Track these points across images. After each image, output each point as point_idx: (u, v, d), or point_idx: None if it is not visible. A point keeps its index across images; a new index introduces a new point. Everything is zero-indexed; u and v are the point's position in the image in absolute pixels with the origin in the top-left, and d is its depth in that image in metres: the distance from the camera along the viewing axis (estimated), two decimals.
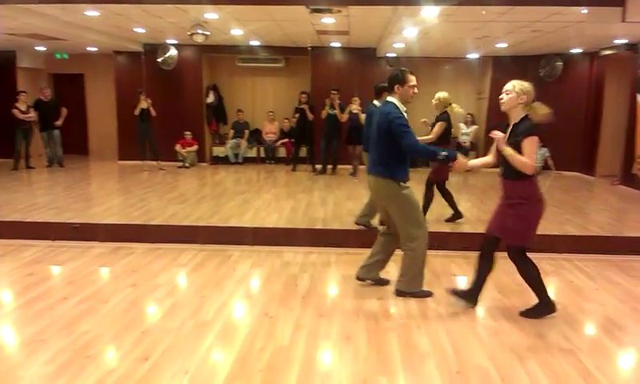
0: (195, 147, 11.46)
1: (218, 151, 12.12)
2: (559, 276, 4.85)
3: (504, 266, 5.03)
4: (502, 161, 3.73)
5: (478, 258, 3.97)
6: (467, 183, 9.78)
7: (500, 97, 3.77)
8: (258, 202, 7.38)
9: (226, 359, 3.17)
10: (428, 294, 4.23)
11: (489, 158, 4.03)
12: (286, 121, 11.83)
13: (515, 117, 3.71)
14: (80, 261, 5.06)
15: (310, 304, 4.05)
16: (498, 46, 9.66)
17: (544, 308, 3.82)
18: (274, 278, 4.66)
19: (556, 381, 2.97)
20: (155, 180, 9.44)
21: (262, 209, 6.89)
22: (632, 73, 8.93)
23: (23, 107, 10.36)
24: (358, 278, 4.42)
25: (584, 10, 6.41)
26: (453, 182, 8.78)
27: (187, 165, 11.20)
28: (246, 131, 11.96)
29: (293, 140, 11.34)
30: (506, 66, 11.26)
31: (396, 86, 4.08)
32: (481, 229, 5.97)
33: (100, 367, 3.04)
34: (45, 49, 11.55)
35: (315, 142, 10.72)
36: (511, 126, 3.74)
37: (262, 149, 12.07)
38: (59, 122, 10.79)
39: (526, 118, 3.66)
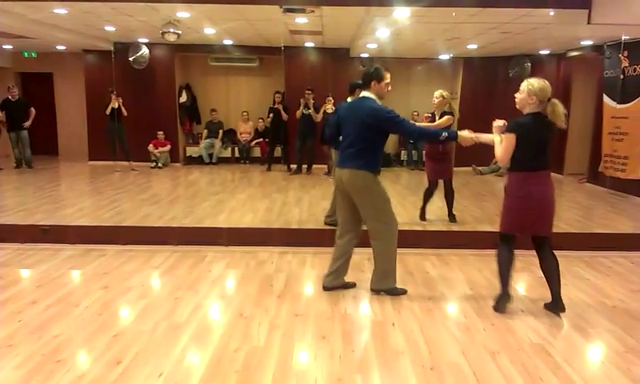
0: (168, 147, 11.34)
1: (192, 151, 12.01)
2: (529, 272, 4.95)
3: (475, 263, 5.15)
4: None
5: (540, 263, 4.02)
6: (440, 182, 9.88)
7: (515, 95, 3.87)
8: (232, 202, 7.33)
9: (200, 361, 3.15)
10: (403, 292, 4.28)
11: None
12: (261, 120, 11.79)
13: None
14: (50, 263, 4.96)
15: (286, 304, 4.05)
16: (469, 47, 9.81)
17: (501, 299, 3.96)
18: (248, 278, 4.64)
19: (526, 374, 3.04)
20: (127, 181, 9.29)
21: (237, 209, 6.86)
22: (598, 74, 9.17)
23: None
24: (325, 288, 4.34)
25: (551, 12, 6.57)
26: (425, 181, 8.91)
27: (160, 165, 11.07)
28: (220, 131, 11.89)
29: (267, 140, 11.31)
30: (476, 67, 11.47)
31: (372, 82, 4.09)
32: (455, 227, 6.09)
33: (71, 371, 2.99)
34: (11, 47, 11.27)
35: (290, 142, 10.72)
36: None
37: (236, 149, 12.01)
38: (28, 124, 10.54)
39: (527, 114, 3.74)
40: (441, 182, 6.39)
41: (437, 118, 6.28)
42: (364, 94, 4.15)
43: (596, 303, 4.20)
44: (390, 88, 4.16)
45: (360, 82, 4.38)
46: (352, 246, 4.33)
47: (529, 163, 3.71)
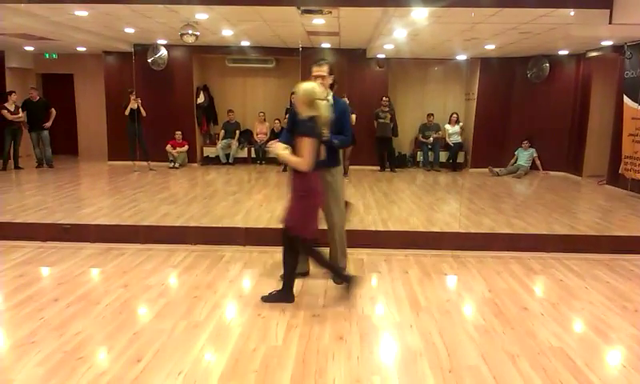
0: (186, 147, 11.44)
1: (209, 152, 12.10)
2: (549, 275, 4.91)
3: (493, 265, 5.11)
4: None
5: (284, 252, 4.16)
6: (457, 184, 9.86)
7: (292, 98, 4.08)
8: (249, 202, 7.37)
9: (219, 360, 3.17)
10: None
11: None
12: (277, 121, 11.83)
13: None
14: (70, 262, 5.03)
15: (303, 304, 4.06)
16: (487, 47, 9.74)
17: (283, 297, 4.07)
18: (266, 278, 4.66)
19: (547, 378, 3.01)
20: (145, 180, 9.39)
21: (254, 209, 6.89)
22: (618, 74, 9.05)
23: (12, 107, 10.30)
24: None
25: (572, 12, 6.50)
26: (441, 182, 8.90)
27: (177, 165, 11.17)
28: (237, 132, 11.95)
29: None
30: (494, 68, 11.38)
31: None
32: (472, 229, 6.06)
33: (92, 369, 3.03)
34: (33, 49, 11.46)
35: None
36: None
37: (252, 149, 12.07)
38: (48, 124, 10.73)
39: (308, 119, 3.89)
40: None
41: None
42: None
43: (617, 307, 4.14)
44: (321, 80, 4.27)
45: None
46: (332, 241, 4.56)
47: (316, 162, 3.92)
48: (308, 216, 3.97)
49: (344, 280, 4.13)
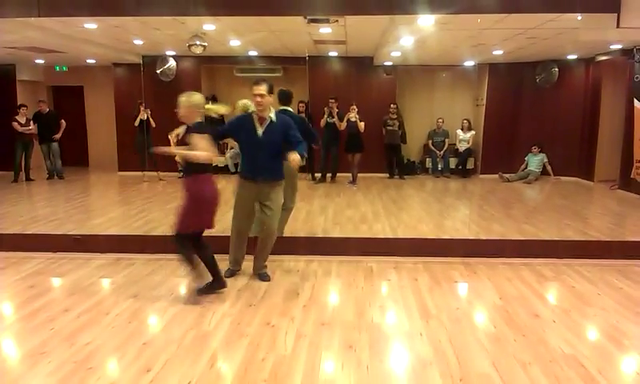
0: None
1: (218, 161, 12.09)
2: (560, 281, 4.85)
3: (504, 272, 5.07)
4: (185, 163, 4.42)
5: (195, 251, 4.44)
6: (466, 190, 9.82)
7: (176, 111, 4.48)
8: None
9: (228, 369, 3.17)
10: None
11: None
12: None
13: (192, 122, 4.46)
14: (81, 272, 5.06)
15: (312, 313, 4.04)
16: (495, 53, 9.72)
17: (216, 284, 4.42)
18: (274, 286, 4.66)
19: None
20: (155, 190, 9.44)
21: None
22: (628, 78, 8.99)
23: (23, 120, 10.42)
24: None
25: (579, 17, 6.47)
26: (451, 188, 8.84)
27: None
28: None
29: None
30: (502, 73, 11.35)
31: None
32: (482, 235, 6.02)
33: (102, 379, 3.04)
34: (43, 61, 11.61)
35: (314, 151, 10.74)
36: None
37: None
38: (58, 136, 10.83)
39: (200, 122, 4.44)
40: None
41: None
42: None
43: (631, 313, 4.08)
44: (260, 98, 4.85)
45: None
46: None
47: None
48: (182, 214, 4.35)
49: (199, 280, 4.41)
